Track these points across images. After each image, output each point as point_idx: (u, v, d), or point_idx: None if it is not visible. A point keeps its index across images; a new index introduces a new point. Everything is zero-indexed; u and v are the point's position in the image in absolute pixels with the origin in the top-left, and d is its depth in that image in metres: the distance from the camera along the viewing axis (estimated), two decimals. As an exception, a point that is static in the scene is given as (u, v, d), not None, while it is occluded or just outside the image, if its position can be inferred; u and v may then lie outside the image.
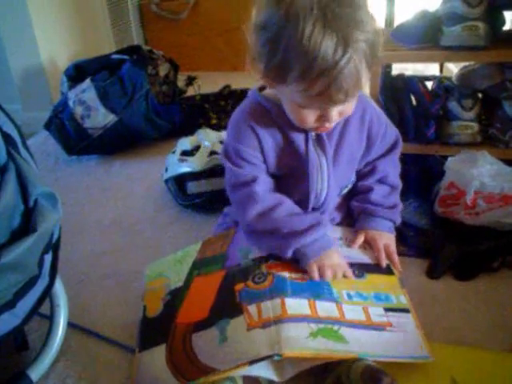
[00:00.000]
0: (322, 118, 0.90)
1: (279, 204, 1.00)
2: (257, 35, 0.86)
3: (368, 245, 1.08)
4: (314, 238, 0.97)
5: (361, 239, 1.08)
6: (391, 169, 1.13)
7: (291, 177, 1.05)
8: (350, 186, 1.14)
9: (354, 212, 1.14)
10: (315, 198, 1.05)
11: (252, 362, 0.81)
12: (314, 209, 1.07)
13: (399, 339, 0.89)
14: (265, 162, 1.02)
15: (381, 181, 1.12)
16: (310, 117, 0.90)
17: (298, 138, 1.00)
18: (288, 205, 1.01)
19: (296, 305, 0.90)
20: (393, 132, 1.12)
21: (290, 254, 0.97)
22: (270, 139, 1.00)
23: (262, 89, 1.03)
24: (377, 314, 0.93)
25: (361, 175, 1.13)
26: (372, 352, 0.85)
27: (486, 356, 0.95)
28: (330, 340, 0.84)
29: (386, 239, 1.08)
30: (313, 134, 1.00)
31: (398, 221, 1.12)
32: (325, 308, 0.91)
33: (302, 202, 1.05)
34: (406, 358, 0.87)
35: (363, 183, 1.13)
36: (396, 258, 1.06)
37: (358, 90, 0.85)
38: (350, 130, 1.03)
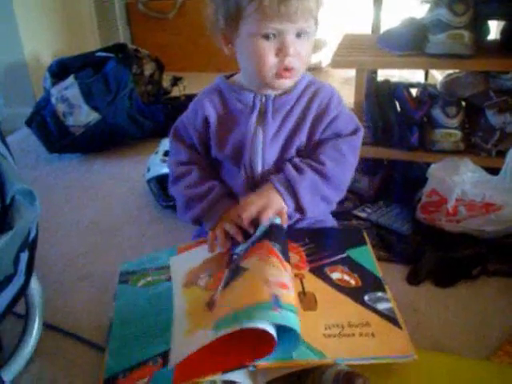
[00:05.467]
0: (281, 52, 0.94)
1: (187, 173, 1.09)
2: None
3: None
4: (209, 204, 1.04)
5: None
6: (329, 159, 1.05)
7: (234, 154, 1.07)
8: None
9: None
10: (249, 167, 1.06)
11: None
12: (248, 178, 1.07)
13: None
14: (208, 138, 1.09)
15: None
16: (269, 54, 0.95)
17: (243, 112, 1.05)
18: (194, 175, 1.08)
19: None
20: (353, 124, 1.08)
21: (188, 220, 1.08)
22: (214, 113, 1.07)
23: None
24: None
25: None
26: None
27: (465, 363, 0.94)
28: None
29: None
30: (256, 112, 1.04)
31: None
32: None
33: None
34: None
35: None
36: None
37: (306, 9, 0.91)
38: (297, 108, 1.05)
